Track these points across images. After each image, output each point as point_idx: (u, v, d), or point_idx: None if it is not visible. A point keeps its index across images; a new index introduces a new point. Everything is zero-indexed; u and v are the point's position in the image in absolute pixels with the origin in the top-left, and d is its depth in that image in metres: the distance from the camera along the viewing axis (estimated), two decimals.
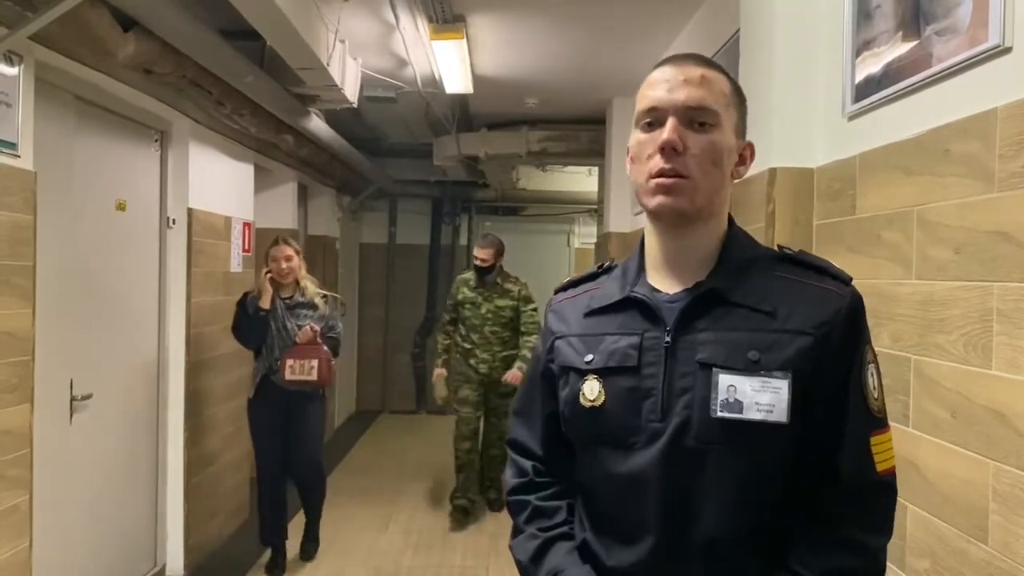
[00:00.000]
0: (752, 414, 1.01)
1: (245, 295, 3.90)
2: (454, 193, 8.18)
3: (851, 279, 1.09)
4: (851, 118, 2.01)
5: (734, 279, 1.08)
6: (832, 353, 1.04)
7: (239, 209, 4.55)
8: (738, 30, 2.63)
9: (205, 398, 4.14)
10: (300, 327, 3.83)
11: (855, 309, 1.07)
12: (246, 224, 4.65)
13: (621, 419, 1.07)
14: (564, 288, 1.26)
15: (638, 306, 1.11)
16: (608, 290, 1.16)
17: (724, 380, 1.02)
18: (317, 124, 4.60)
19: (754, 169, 1.29)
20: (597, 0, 3.65)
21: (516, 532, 1.21)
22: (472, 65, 4.42)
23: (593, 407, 1.09)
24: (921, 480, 1.65)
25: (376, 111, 5.86)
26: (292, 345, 3.82)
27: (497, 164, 6.71)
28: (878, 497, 1.05)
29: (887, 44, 1.83)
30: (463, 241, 8.43)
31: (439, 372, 4.94)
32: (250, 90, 3.56)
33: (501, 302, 4.76)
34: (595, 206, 6.97)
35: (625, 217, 5.18)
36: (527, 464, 1.22)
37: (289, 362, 3.79)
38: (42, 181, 2.62)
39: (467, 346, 4.81)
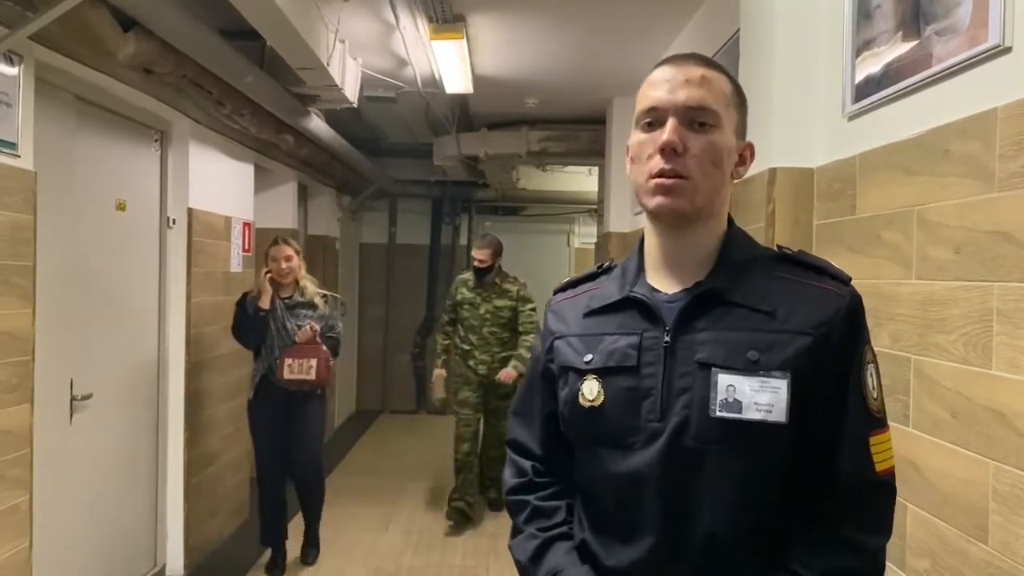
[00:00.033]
0: (751, 414, 1.01)
1: (244, 295, 3.90)
2: (454, 193, 8.18)
3: (850, 279, 1.09)
4: (851, 118, 2.01)
5: (733, 279, 1.08)
6: (831, 353, 1.04)
7: (239, 209, 4.55)
8: (738, 30, 2.63)
9: (205, 398, 4.14)
10: (300, 327, 3.83)
11: (854, 309, 1.07)
12: (246, 224, 4.65)
13: (620, 419, 1.07)
14: (563, 288, 1.26)
15: (637, 306, 1.11)
16: (607, 290, 1.16)
17: (723, 380, 1.02)
18: (317, 124, 4.60)
19: (754, 169, 1.29)
20: (597, 0, 3.65)
21: (515, 532, 1.21)
22: (472, 65, 4.42)
23: (592, 407, 1.09)
24: (921, 480, 1.65)
25: (376, 111, 5.86)
26: (292, 345, 3.83)
27: (497, 164, 6.72)
28: (877, 497, 1.05)
29: (887, 44, 1.83)
30: (463, 241, 8.43)
31: (438, 373, 4.94)
32: (250, 90, 3.57)
33: (499, 302, 4.76)
34: (595, 206, 6.98)
35: (625, 217, 5.18)
36: (526, 464, 1.22)
37: (287, 361, 3.79)
38: (42, 181, 2.62)
39: (466, 347, 4.81)
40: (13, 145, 2.46)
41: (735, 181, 1.12)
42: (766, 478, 1.03)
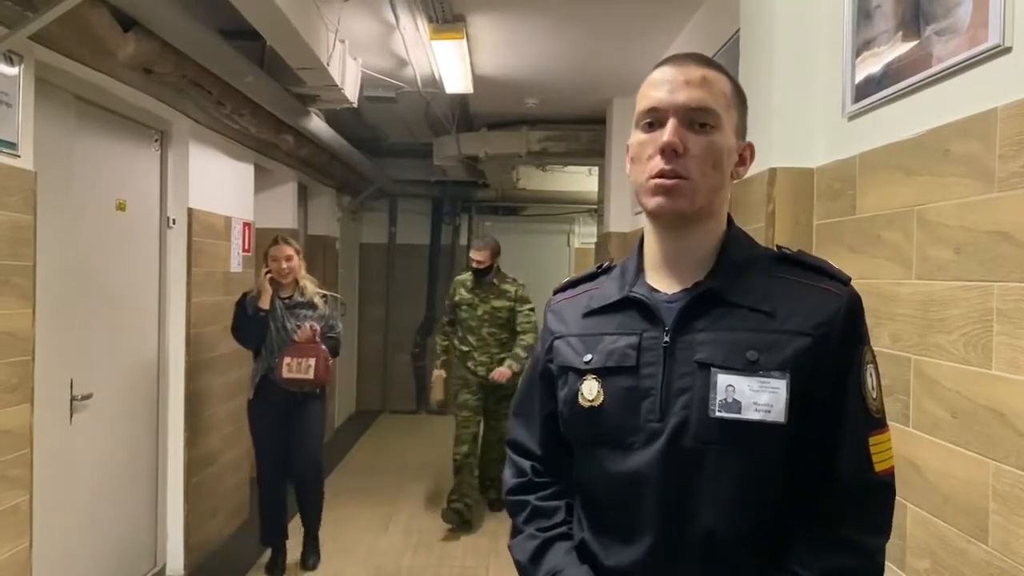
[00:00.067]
0: (750, 414, 1.01)
1: (244, 295, 3.90)
2: (454, 193, 8.18)
3: (850, 279, 1.09)
4: (851, 118, 2.01)
5: (733, 279, 1.08)
6: (831, 353, 1.04)
7: (239, 209, 4.55)
8: (738, 30, 2.63)
9: (205, 398, 4.13)
10: (300, 327, 3.83)
11: (854, 309, 1.07)
12: (246, 224, 4.65)
13: (619, 419, 1.07)
14: (563, 288, 1.27)
15: (637, 306, 1.11)
16: (607, 290, 1.16)
17: (722, 380, 1.02)
18: (317, 124, 4.60)
19: (754, 169, 1.29)
20: (597, 0, 3.65)
21: (515, 532, 1.21)
22: (472, 65, 4.42)
23: (592, 407, 1.09)
24: (921, 480, 1.65)
25: (376, 111, 5.86)
26: (291, 345, 3.82)
27: (497, 164, 6.72)
28: (877, 497, 1.05)
29: (887, 44, 1.83)
30: (463, 241, 8.42)
31: (438, 373, 4.95)
32: (250, 90, 3.57)
33: (498, 303, 4.75)
34: (595, 206, 6.98)
35: (625, 217, 5.17)
36: (526, 464, 1.22)
37: (286, 360, 3.79)
38: (42, 181, 2.62)
39: (465, 348, 4.81)
40: (13, 145, 2.46)
41: (735, 181, 1.12)
42: (765, 478, 1.03)
